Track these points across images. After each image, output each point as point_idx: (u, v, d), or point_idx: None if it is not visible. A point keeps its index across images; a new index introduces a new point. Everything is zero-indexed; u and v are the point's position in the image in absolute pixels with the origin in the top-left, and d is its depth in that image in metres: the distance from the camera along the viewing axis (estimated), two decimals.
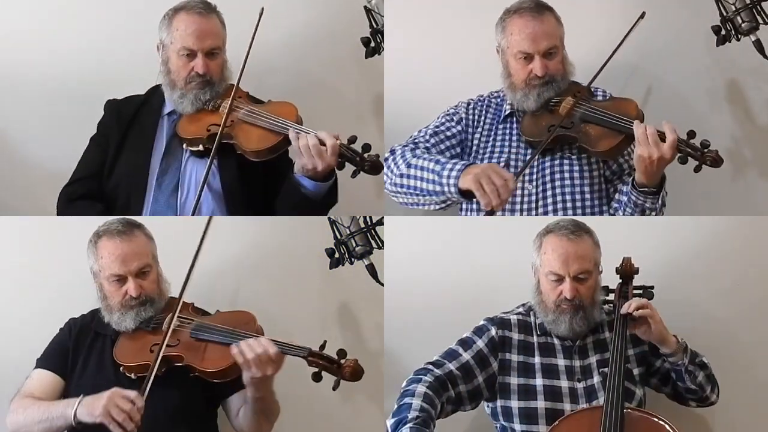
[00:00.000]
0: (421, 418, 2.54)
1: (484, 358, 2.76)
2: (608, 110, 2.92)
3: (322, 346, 2.62)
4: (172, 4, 3.00)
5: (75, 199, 3.00)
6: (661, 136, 2.75)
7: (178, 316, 2.71)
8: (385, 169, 2.98)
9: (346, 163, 2.81)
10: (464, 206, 3.08)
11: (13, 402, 2.70)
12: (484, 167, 2.83)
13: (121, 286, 2.74)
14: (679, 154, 2.78)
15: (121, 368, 2.69)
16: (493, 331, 2.79)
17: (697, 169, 2.79)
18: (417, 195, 2.96)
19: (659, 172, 2.82)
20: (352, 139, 2.82)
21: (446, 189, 2.87)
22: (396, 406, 2.61)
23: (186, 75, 2.94)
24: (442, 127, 3.08)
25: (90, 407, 2.54)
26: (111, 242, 2.75)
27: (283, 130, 2.86)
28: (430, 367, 2.72)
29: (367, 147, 2.81)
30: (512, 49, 2.97)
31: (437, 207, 2.99)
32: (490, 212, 2.83)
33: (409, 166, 2.95)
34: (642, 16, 3.08)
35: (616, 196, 2.98)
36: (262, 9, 2.94)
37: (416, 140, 3.05)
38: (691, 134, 2.80)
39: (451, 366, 2.72)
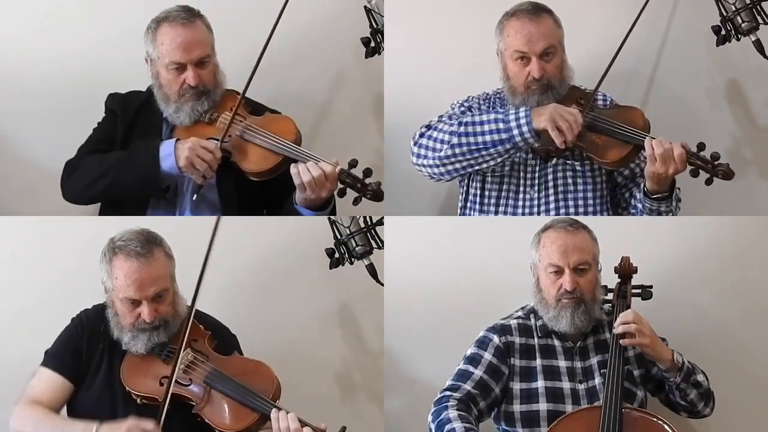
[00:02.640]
0: None
1: (495, 368, 2.76)
2: (615, 119, 2.91)
3: (352, 164, 2.66)
4: (173, 4, 2.98)
5: (84, 153, 2.94)
6: (671, 151, 2.76)
7: (192, 350, 2.67)
8: (424, 145, 2.95)
9: (348, 190, 2.79)
10: (467, 206, 3.09)
11: (18, 405, 2.62)
12: (552, 107, 2.86)
13: (134, 308, 2.63)
14: (690, 167, 2.79)
15: (127, 388, 2.64)
16: (496, 340, 2.78)
17: (708, 182, 2.80)
18: (475, 150, 2.90)
19: (669, 180, 2.84)
20: (353, 163, 2.80)
21: (516, 132, 2.85)
22: None
23: (178, 88, 2.88)
24: (465, 116, 3.03)
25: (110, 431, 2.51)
26: (128, 264, 2.62)
27: (283, 151, 2.83)
28: (448, 393, 2.71)
29: (368, 172, 2.78)
30: (509, 50, 2.95)
31: (491, 163, 2.94)
32: (561, 151, 2.89)
33: (462, 124, 2.91)
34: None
35: (632, 202, 2.99)
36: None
37: (441, 118, 3.01)
38: (701, 146, 2.81)
39: (468, 386, 2.72)
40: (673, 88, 3.37)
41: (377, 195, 2.78)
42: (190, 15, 2.89)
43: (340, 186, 2.78)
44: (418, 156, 2.97)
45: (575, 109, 2.86)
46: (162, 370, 2.63)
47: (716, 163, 2.78)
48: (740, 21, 3.10)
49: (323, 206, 2.84)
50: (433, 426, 2.64)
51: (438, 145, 2.94)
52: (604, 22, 3.30)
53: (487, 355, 2.77)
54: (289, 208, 2.87)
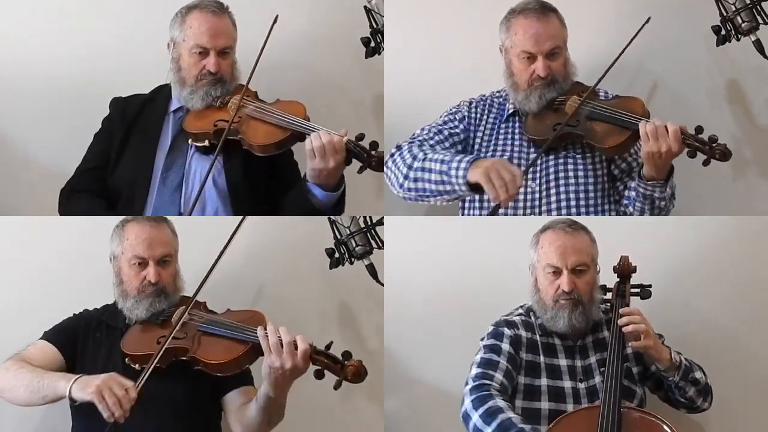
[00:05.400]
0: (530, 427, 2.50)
1: (514, 358, 2.75)
2: (615, 107, 2.92)
3: (328, 346, 2.59)
4: (175, 5, 3.01)
5: (77, 191, 3.02)
6: (663, 128, 2.76)
7: (189, 312, 2.73)
8: (389, 169, 3.00)
9: (353, 159, 2.82)
10: (466, 205, 3.09)
11: (8, 360, 2.68)
12: (492, 161, 2.85)
13: (140, 270, 2.76)
14: (687, 149, 2.78)
15: (126, 359, 2.68)
16: (507, 331, 2.78)
17: (706, 163, 2.79)
18: (425, 196, 2.96)
19: (667, 165, 2.83)
20: (360, 137, 2.83)
21: (455, 182, 2.86)
22: (493, 428, 2.49)
23: (197, 73, 2.96)
24: (446, 126, 3.08)
25: (84, 384, 2.52)
26: (139, 226, 2.79)
27: (291, 126, 2.88)
28: (486, 381, 2.64)
29: (374, 144, 2.83)
30: (516, 49, 2.97)
31: (445, 203, 2.99)
32: (497, 207, 2.85)
33: (411, 168, 2.95)
34: (647, 20, 3.05)
35: (626, 192, 2.98)
36: (276, 17, 2.97)
37: (420, 138, 3.05)
38: (699, 129, 2.80)
39: (500, 376, 2.67)
40: (673, 88, 3.36)
41: (382, 163, 2.84)
42: (221, 7, 3.01)
43: (345, 155, 2.81)
44: (386, 175, 3.03)
45: (517, 170, 2.81)
46: (159, 332, 2.70)
47: (713, 144, 2.77)
48: (740, 21, 3.10)
49: (334, 188, 2.87)
50: (477, 413, 2.53)
51: (395, 175, 2.99)
52: (610, 21, 3.31)
53: (505, 346, 2.75)
54: (300, 188, 2.89)
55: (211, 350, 2.66)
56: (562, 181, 2.99)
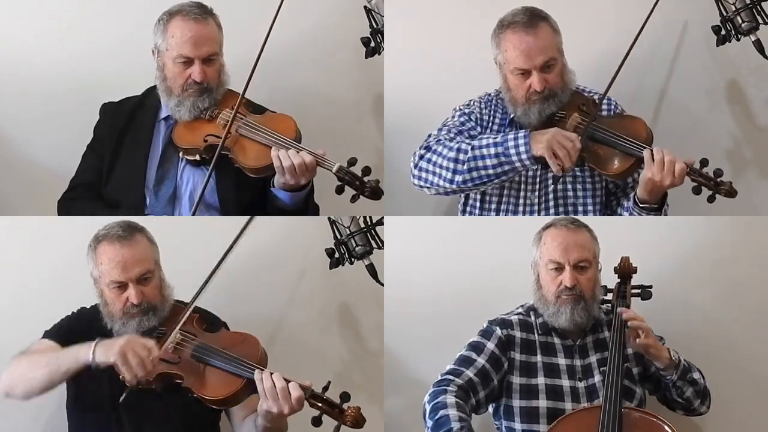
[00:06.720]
0: (465, 427, 2.53)
1: (497, 359, 2.76)
2: (617, 130, 2.86)
3: (325, 388, 2.57)
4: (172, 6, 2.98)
5: (73, 199, 2.99)
6: (672, 164, 2.73)
7: (181, 331, 2.68)
8: (426, 171, 2.93)
9: (346, 187, 2.77)
10: (466, 204, 3.08)
11: (13, 359, 2.65)
12: (551, 132, 2.81)
13: (121, 293, 2.68)
14: (693, 184, 2.78)
15: (121, 377, 2.62)
16: (498, 331, 2.79)
17: (711, 199, 2.78)
18: (481, 183, 2.89)
19: (662, 192, 2.82)
20: (352, 161, 2.79)
21: (516, 160, 2.82)
22: (432, 422, 2.57)
23: (183, 82, 2.89)
24: (465, 128, 3.01)
25: (106, 347, 2.50)
26: (111, 247, 2.69)
27: (282, 147, 2.82)
28: (450, 377, 2.70)
29: (367, 170, 2.77)
30: (509, 66, 2.91)
31: (500, 183, 2.94)
32: (557, 178, 2.89)
33: (459, 161, 2.87)
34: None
35: (618, 210, 2.98)
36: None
37: (443, 137, 2.97)
38: (704, 162, 2.79)
39: (470, 373, 2.71)
40: (672, 89, 3.36)
41: (375, 193, 2.77)
42: (204, 11, 2.92)
43: (338, 183, 2.77)
44: (419, 179, 2.94)
45: (573, 135, 2.80)
46: None
47: (719, 180, 2.76)
48: (740, 21, 3.10)
49: (301, 188, 2.84)
50: (428, 407, 2.62)
51: (439, 173, 2.90)
52: (609, 23, 3.31)
53: (490, 345, 2.77)
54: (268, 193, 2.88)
55: (206, 383, 2.60)
56: (560, 194, 2.99)
